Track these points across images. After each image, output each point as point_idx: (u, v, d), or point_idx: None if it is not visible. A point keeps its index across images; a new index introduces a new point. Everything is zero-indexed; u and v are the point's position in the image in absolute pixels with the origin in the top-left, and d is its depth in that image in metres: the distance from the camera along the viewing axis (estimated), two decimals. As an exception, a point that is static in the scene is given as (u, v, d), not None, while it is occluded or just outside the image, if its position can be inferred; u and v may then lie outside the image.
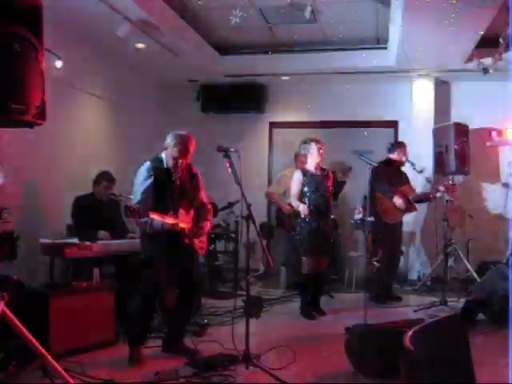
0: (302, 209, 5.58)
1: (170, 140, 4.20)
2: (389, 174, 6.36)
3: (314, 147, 5.68)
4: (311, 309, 5.83)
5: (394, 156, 6.52)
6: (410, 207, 6.40)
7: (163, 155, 4.26)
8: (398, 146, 6.63)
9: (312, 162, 5.77)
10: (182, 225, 4.13)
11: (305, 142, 5.81)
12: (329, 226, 5.79)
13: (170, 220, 4.00)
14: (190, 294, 4.39)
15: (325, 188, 5.75)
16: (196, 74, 8.26)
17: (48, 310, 4.14)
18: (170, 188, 4.19)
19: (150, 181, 4.09)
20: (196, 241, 4.33)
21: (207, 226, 4.45)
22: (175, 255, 4.18)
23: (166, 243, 4.10)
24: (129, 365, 4.08)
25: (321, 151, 5.70)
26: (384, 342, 3.70)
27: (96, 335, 4.42)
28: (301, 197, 5.70)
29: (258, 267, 7.70)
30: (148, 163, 4.21)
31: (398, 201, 6.23)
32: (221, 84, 8.57)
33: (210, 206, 4.59)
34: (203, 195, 4.52)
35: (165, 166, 4.23)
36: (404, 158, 6.44)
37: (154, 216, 3.88)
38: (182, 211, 4.19)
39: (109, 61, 7.06)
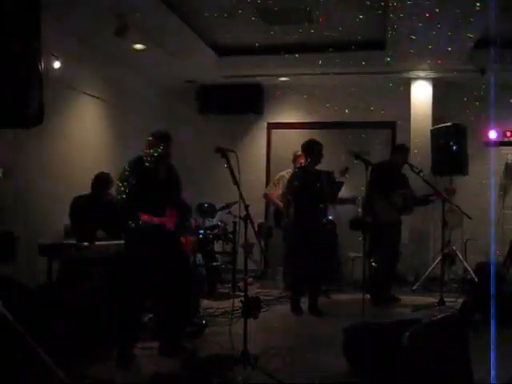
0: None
1: (150, 139, 4.21)
2: (388, 175, 6.38)
3: (314, 151, 5.77)
4: (299, 305, 5.91)
5: (394, 158, 6.54)
6: (406, 208, 6.41)
7: (143, 155, 4.26)
8: (399, 148, 6.66)
9: (310, 163, 5.85)
10: (169, 223, 4.14)
11: (307, 143, 5.86)
12: (318, 226, 5.83)
13: (157, 219, 4.02)
14: (183, 294, 4.37)
15: (315, 189, 5.81)
16: (194, 75, 8.27)
17: (47, 310, 4.14)
18: (153, 187, 4.20)
19: (133, 181, 4.09)
20: (182, 239, 4.35)
21: (192, 224, 4.47)
22: (163, 254, 4.18)
23: (153, 243, 4.11)
24: (117, 366, 4.05)
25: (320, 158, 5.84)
26: (382, 343, 3.70)
27: (95, 336, 4.41)
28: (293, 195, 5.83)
29: (255, 268, 7.71)
30: (130, 164, 4.21)
31: (397, 199, 6.25)
32: (219, 85, 8.57)
33: (189, 206, 4.62)
34: (183, 195, 4.55)
35: (146, 165, 4.23)
36: (405, 161, 6.47)
37: (144, 216, 3.90)
38: (167, 210, 4.20)
39: (107, 62, 7.06)
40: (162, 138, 4.23)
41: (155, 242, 4.11)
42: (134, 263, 4.17)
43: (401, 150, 6.57)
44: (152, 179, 4.20)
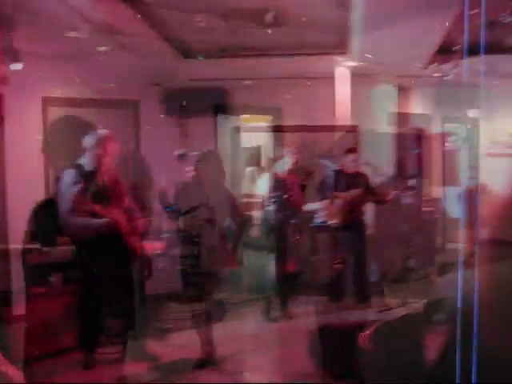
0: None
1: (89, 141, 4.14)
2: (337, 179, 6.39)
3: (288, 155, 5.86)
4: (270, 309, 5.99)
5: (344, 161, 6.62)
6: (346, 213, 6.45)
7: (83, 160, 4.19)
8: (348, 151, 6.74)
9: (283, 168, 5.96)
10: (122, 224, 4.13)
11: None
12: (295, 230, 5.91)
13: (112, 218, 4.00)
14: (134, 296, 4.34)
15: (291, 194, 5.89)
16: (160, 77, 8.21)
17: (9, 316, 4.07)
18: (99, 190, 4.12)
19: (78, 185, 4.00)
20: (133, 240, 4.33)
21: (141, 224, 4.45)
22: (118, 258, 4.14)
23: (108, 247, 4.06)
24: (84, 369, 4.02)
25: (292, 161, 5.91)
26: (344, 343, 3.75)
27: (58, 341, 4.36)
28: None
29: (221, 270, 7.68)
30: (71, 170, 4.12)
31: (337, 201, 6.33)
32: (185, 87, 8.54)
33: (136, 207, 4.58)
34: (127, 197, 4.51)
35: (87, 169, 4.15)
36: (353, 164, 6.54)
37: (101, 210, 3.89)
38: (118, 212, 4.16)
39: (70, 64, 6.97)
40: (102, 139, 4.15)
41: (110, 245, 4.07)
42: (85, 266, 4.12)
43: (348, 153, 6.65)
44: (95, 183, 4.12)
